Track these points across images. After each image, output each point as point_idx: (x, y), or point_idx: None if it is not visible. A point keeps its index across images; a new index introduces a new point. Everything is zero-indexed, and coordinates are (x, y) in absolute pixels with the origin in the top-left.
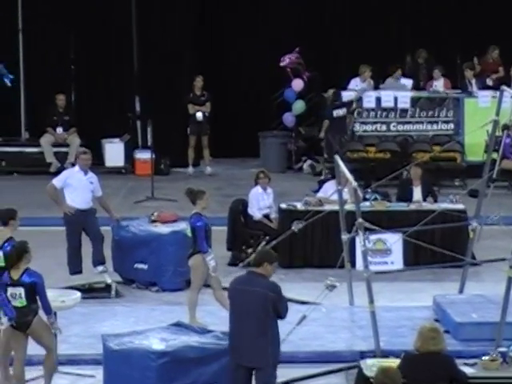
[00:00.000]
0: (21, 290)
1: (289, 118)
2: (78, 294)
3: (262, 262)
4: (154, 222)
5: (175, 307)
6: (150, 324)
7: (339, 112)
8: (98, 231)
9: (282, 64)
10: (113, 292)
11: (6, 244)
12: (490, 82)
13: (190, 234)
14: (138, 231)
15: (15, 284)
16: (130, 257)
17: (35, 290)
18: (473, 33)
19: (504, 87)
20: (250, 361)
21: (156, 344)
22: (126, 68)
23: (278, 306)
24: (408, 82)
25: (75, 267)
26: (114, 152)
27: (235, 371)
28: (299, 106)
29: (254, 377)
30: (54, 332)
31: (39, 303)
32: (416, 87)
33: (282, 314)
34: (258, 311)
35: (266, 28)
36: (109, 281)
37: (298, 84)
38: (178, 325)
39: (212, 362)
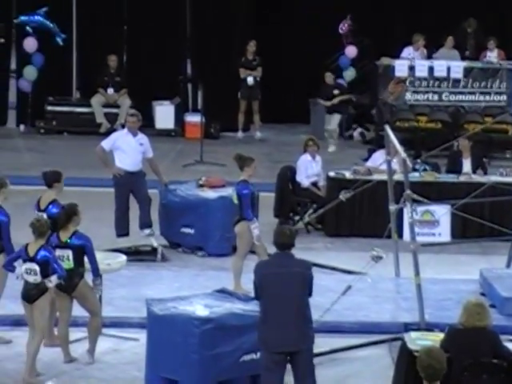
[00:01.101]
0: (69, 253)
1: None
2: (124, 257)
3: (294, 244)
4: (201, 186)
5: (220, 273)
6: (194, 289)
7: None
8: (146, 194)
9: (341, 31)
10: (159, 256)
11: (50, 206)
12: None
13: (236, 200)
14: (186, 195)
15: (63, 246)
16: (177, 221)
17: (84, 253)
18: None
19: None
20: (293, 345)
21: (200, 310)
22: (178, 30)
23: (312, 283)
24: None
25: (122, 229)
26: (164, 114)
27: (272, 361)
28: (350, 73)
29: (293, 360)
30: (96, 294)
31: (86, 266)
32: (463, 57)
33: (312, 291)
34: (298, 292)
35: None
36: (155, 244)
37: (351, 51)
38: (223, 291)
39: (255, 330)
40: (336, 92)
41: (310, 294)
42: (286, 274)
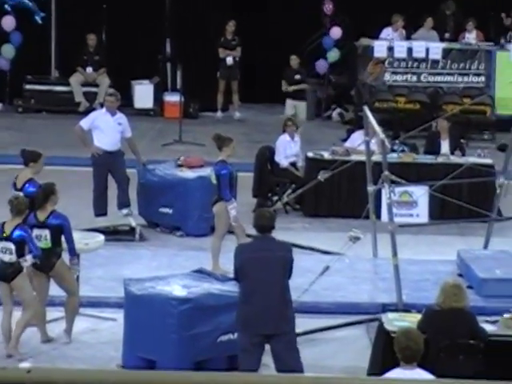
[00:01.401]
0: (46, 232)
1: (322, 64)
2: (102, 236)
3: (274, 227)
4: (180, 166)
5: (199, 253)
6: (172, 269)
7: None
8: (124, 173)
9: (326, 12)
10: (137, 235)
11: (27, 185)
12: None
13: (214, 180)
14: (164, 175)
15: (41, 226)
16: (156, 200)
17: (61, 233)
18: None
19: None
20: (274, 327)
21: (177, 290)
22: (157, 9)
23: (292, 266)
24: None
25: (100, 209)
26: (143, 94)
27: (250, 343)
28: (334, 54)
29: (272, 342)
30: (73, 273)
31: (63, 246)
32: (442, 39)
33: (291, 274)
34: (279, 276)
35: None
36: (133, 224)
37: (336, 32)
38: (201, 271)
39: (233, 311)
40: (297, 77)
41: (289, 277)
42: (268, 258)
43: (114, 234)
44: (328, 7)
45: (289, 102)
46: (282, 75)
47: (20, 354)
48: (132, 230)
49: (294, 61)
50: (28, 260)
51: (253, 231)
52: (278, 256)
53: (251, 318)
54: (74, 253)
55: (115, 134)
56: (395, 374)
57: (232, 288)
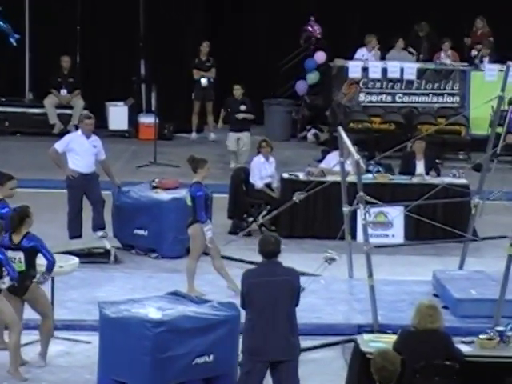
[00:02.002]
0: (20, 255)
1: (302, 85)
2: (77, 259)
3: (280, 251)
4: (155, 188)
5: (174, 275)
6: (147, 291)
7: (243, 107)
8: (100, 196)
9: (314, 33)
10: (111, 257)
11: None
12: (474, 52)
13: (189, 202)
14: (139, 197)
15: (15, 248)
16: (130, 223)
17: (35, 255)
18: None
19: (510, 62)
20: (281, 354)
21: (153, 313)
22: (132, 31)
23: (299, 292)
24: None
25: (75, 231)
26: (117, 115)
27: (255, 367)
28: (314, 76)
29: (276, 368)
30: (40, 279)
31: (37, 269)
32: (417, 59)
33: (299, 300)
34: (287, 301)
35: None
36: (108, 246)
37: (320, 56)
38: (176, 294)
39: (208, 333)
40: (243, 108)
41: (296, 304)
42: (275, 283)
43: (88, 257)
44: (314, 28)
45: (231, 135)
46: (223, 105)
47: (20, 375)
48: (107, 252)
49: (238, 91)
50: (6, 282)
51: (228, 253)
52: (284, 281)
53: (258, 345)
54: (51, 269)
55: (90, 157)
56: None
57: (207, 310)
